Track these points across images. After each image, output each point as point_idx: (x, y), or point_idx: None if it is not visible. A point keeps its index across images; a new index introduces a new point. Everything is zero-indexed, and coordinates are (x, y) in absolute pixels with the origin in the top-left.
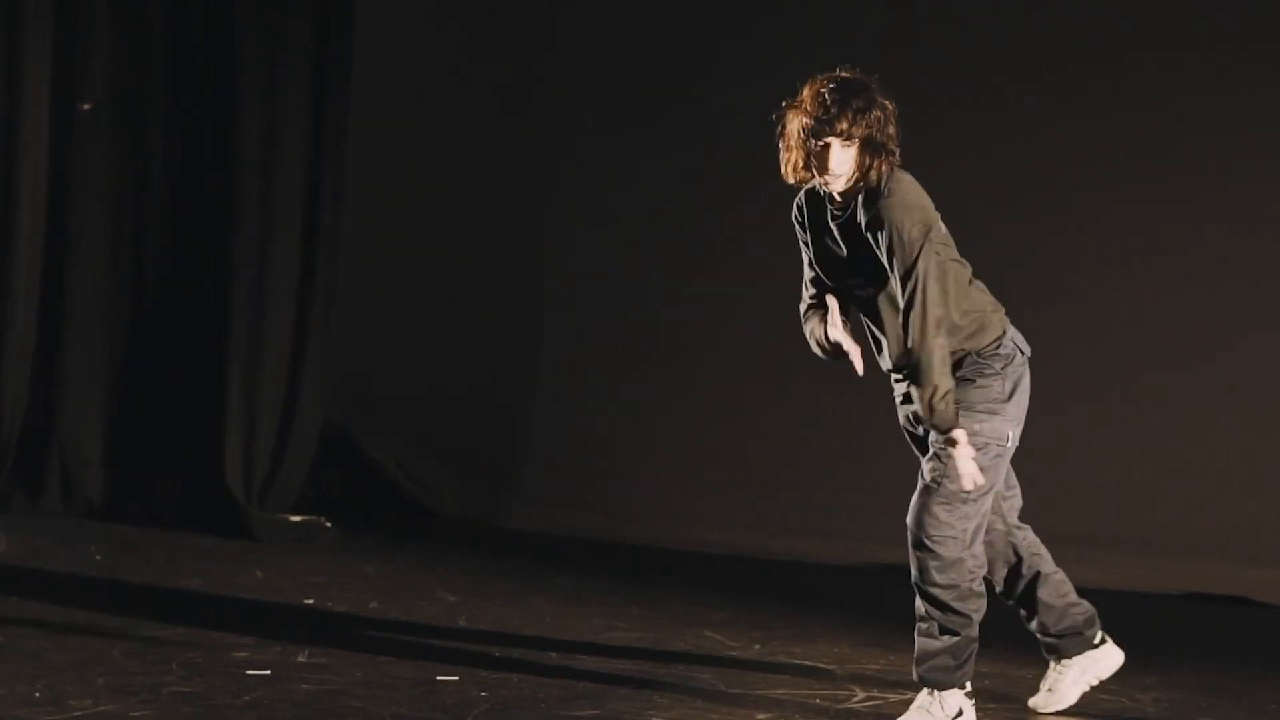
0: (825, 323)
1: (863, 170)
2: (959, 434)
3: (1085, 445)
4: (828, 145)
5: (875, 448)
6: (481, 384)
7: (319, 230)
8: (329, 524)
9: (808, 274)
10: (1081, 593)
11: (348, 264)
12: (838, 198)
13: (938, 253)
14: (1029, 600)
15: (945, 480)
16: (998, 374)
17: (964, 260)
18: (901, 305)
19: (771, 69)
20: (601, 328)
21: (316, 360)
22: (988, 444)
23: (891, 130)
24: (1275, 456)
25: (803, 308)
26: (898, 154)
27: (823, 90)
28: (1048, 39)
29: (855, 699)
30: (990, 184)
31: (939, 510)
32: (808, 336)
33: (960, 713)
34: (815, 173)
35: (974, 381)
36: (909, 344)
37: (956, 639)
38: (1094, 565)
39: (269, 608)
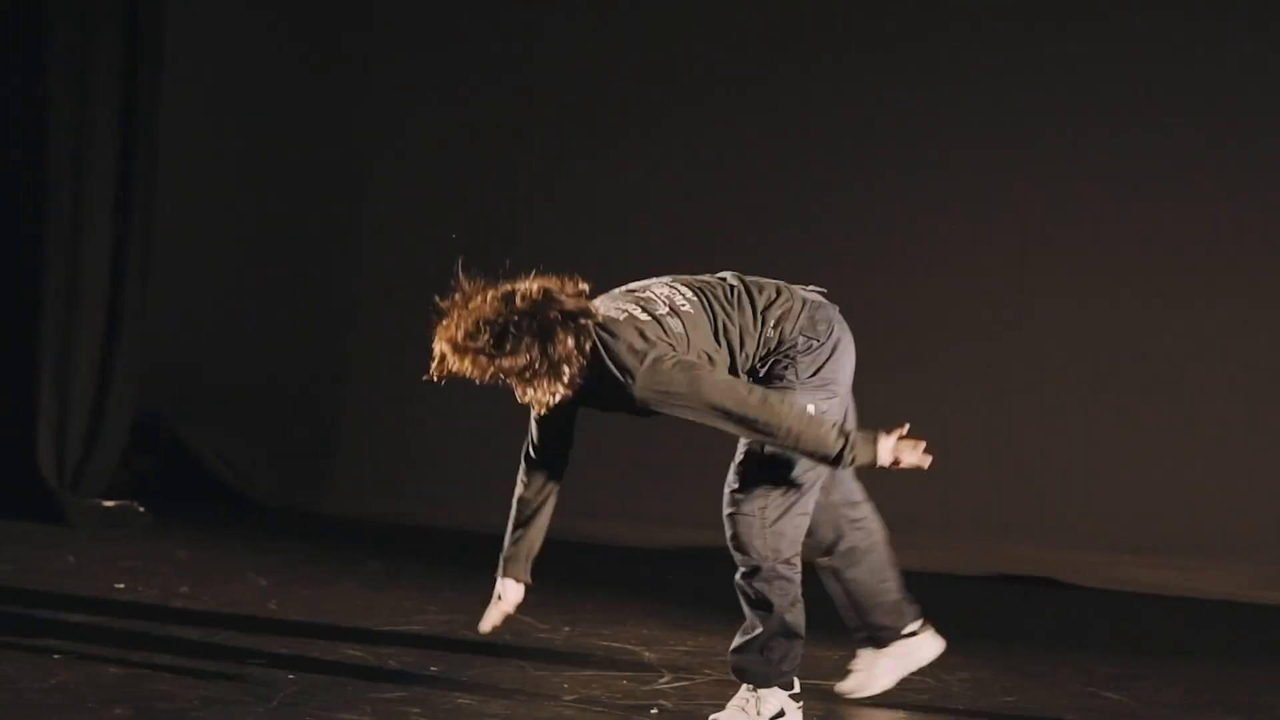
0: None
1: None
2: (883, 455)
3: (892, 428)
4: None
5: (684, 431)
6: (296, 370)
7: (131, 214)
8: (142, 509)
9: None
10: None
11: (163, 250)
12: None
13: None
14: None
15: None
16: (792, 361)
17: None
18: None
19: (587, 43)
20: (413, 315)
21: (129, 345)
22: None
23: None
24: (1080, 440)
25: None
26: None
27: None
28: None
29: (662, 680)
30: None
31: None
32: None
33: (781, 713)
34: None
35: (776, 375)
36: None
37: (759, 630)
38: (902, 548)
39: (79, 593)
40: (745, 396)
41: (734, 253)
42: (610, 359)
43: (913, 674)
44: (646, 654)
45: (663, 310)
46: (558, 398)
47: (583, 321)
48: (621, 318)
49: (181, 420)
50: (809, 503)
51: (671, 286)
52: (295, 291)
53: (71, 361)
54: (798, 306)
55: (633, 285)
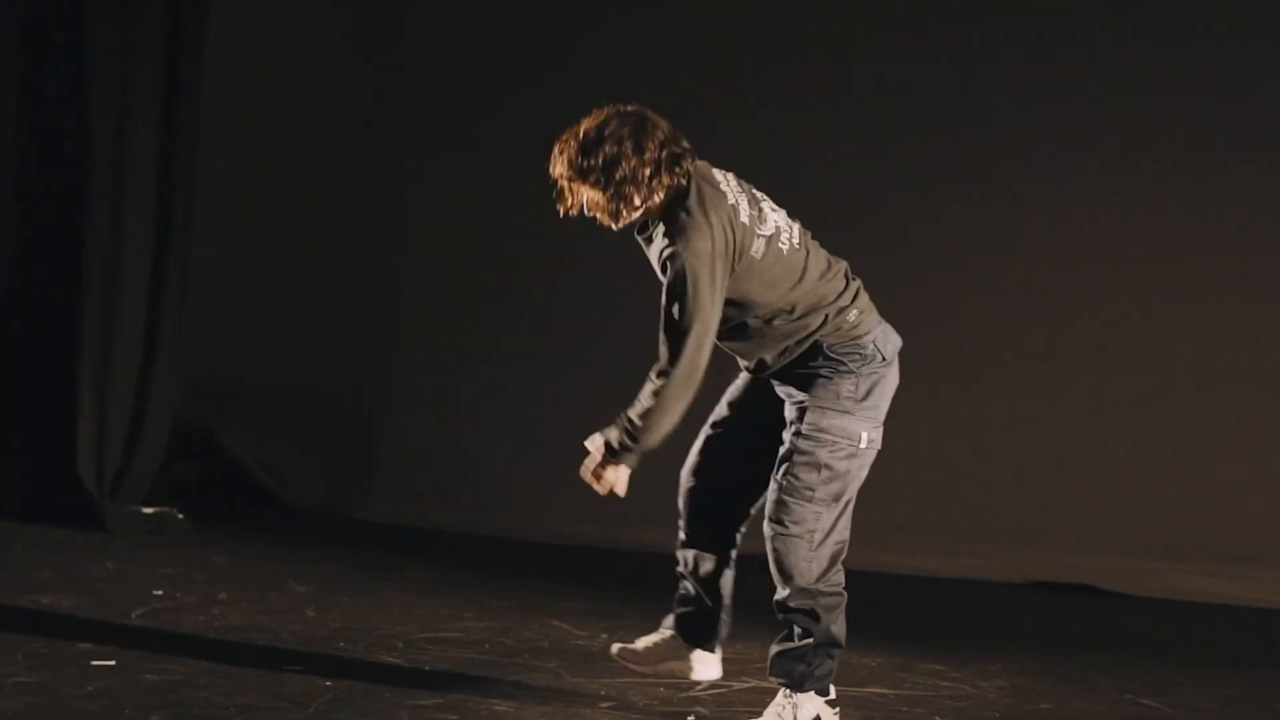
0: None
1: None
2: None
3: (934, 436)
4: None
5: None
6: (337, 377)
7: (171, 221)
8: (182, 516)
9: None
10: (931, 581)
11: (204, 257)
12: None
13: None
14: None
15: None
16: (852, 372)
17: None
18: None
19: (623, 64)
20: (456, 322)
21: (169, 351)
22: (836, 441)
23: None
24: (1118, 448)
25: None
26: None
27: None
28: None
29: (700, 686)
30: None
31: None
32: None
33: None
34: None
35: (826, 378)
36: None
37: (803, 639)
38: (943, 555)
39: (118, 599)
40: (688, 343)
41: None
42: (676, 208)
43: (948, 679)
44: None
45: (767, 230)
46: (631, 215)
47: (678, 154)
48: (720, 188)
49: (221, 427)
50: (849, 516)
51: (789, 222)
52: (336, 297)
53: (111, 368)
54: (875, 320)
55: (761, 195)
